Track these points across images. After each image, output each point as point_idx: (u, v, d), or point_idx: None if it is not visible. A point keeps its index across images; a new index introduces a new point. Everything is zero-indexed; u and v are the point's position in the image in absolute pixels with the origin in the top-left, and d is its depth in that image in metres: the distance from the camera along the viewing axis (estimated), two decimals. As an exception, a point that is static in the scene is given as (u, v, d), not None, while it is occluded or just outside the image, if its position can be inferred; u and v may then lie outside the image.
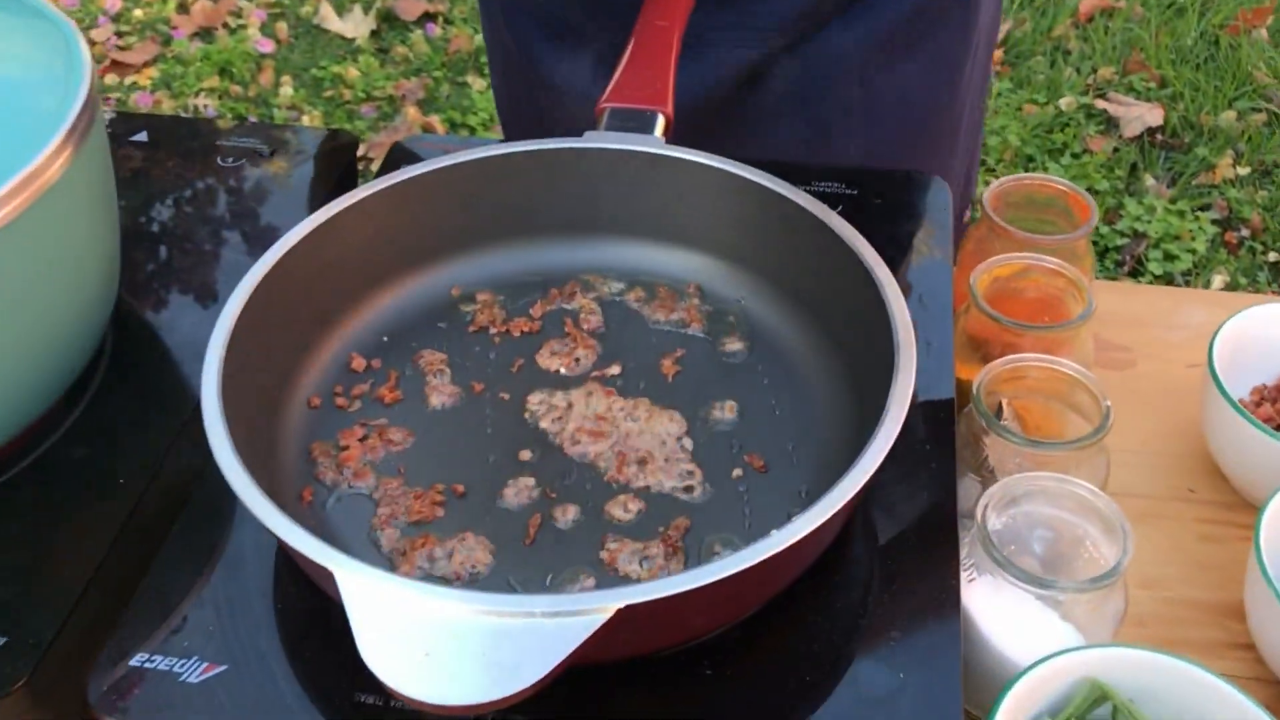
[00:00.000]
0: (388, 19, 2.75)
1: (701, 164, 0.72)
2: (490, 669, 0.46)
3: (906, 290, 0.63)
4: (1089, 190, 1.92)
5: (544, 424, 0.68)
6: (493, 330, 0.73)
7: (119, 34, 2.70)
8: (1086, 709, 0.60)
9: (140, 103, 2.50)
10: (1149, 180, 2.25)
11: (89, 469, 0.67)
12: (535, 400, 0.69)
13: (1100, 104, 2.41)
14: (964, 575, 0.63)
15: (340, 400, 0.69)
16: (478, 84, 2.53)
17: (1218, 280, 2.06)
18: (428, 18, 2.74)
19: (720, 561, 0.50)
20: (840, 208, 0.69)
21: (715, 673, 0.56)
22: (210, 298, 0.78)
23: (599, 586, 0.59)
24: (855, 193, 0.82)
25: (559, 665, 0.46)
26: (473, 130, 2.42)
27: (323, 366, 0.71)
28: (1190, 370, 0.89)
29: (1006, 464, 0.71)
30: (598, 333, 0.73)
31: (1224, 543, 0.78)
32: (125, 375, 0.73)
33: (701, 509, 0.63)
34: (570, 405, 0.69)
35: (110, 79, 2.56)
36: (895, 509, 0.64)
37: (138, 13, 2.75)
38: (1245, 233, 2.17)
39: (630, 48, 0.77)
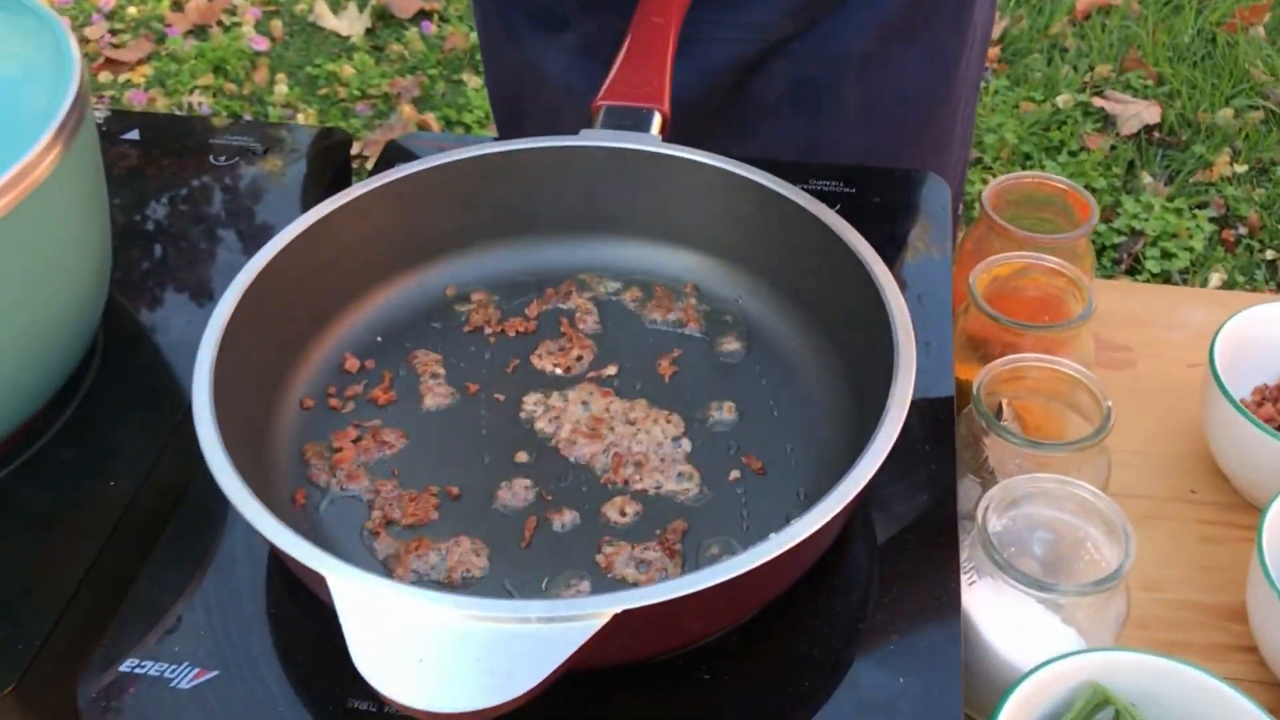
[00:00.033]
0: (383, 17, 2.74)
1: (698, 162, 0.72)
2: (485, 675, 0.46)
3: (905, 289, 0.63)
4: (1086, 188, 1.92)
5: (540, 425, 0.67)
6: (488, 330, 0.73)
7: (113, 31, 2.69)
8: (1088, 713, 0.60)
9: (134, 101, 2.49)
10: (1146, 178, 2.25)
11: (79, 470, 0.66)
12: (531, 401, 0.69)
13: (1097, 102, 2.40)
14: (964, 578, 0.63)
15: (334, 401, 0.69)
16: (473, 82, 2.53)
17: (1215, 278, 2.06)
18: (423, 15, 2.73)
19: (718, 565, 0.49)
20: (838, 206, 0.69)
21: (714, 677, 0.56)
22: (203, 297, 0.78)
23: (595, 590, 0.59)
24: (853, 191, 0.81)
25: (555, 671, 0.46)
26: (468, 128, 2.42)
27: (316, 367, 0.70)
28: (1191, 370, 0.88)
29: (1007, 465, 0.70)
30: (594, 333, 0.73)
31: (1226, 544, 0.78)
32: (117, 375, 0.72)
33: (699, 511, 0.63)
34: (566, 406, 0.68)
35: (104, 77, 2.56)
36: (895, 511, 0.63)
37: (132, 10, 2.74)
38: (1243, 230, 2.16)
39: (626, 45, 0.77)
